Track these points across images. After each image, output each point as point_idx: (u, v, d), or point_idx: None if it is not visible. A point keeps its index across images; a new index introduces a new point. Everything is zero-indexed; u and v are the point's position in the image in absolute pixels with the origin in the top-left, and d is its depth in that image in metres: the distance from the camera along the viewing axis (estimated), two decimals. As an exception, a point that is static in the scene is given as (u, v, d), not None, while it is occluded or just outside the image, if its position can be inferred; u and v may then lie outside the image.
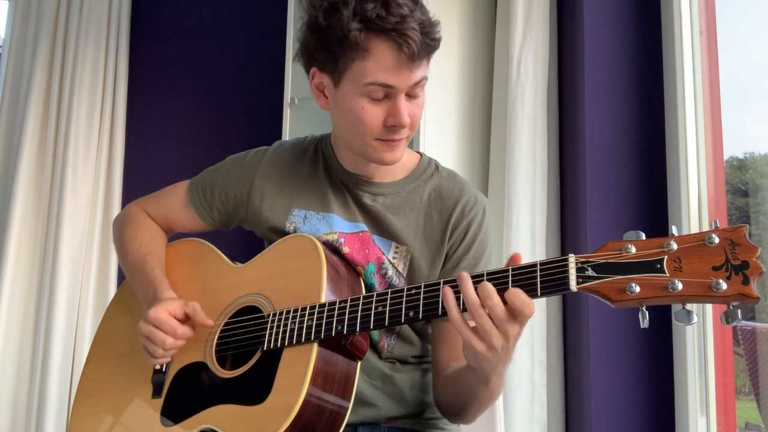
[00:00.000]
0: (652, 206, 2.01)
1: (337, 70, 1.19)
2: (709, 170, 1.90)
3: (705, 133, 1.92)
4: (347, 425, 1.14)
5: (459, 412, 1.25)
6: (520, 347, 2.10)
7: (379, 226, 1.31)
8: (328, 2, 1.16)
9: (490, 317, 0.97)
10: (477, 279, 1.01)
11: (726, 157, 1.96)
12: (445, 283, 1.05)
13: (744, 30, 2.03)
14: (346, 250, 1.28)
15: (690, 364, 1.85)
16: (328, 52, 1.18)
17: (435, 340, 1.31)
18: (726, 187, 1.93)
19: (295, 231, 1.32)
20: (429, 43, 1.16)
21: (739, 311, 0.86)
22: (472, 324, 1.01)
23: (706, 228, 1.83)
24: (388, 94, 1.17)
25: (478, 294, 0.98)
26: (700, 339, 1.83)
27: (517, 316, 0.97)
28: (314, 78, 1.26)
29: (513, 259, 1.03)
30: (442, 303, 1.04)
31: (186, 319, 1.25)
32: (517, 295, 0.96)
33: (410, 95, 1.20)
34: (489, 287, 0.97)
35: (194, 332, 1.24)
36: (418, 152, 1.42)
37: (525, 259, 2.13)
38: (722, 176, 1.92)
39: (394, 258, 1.29)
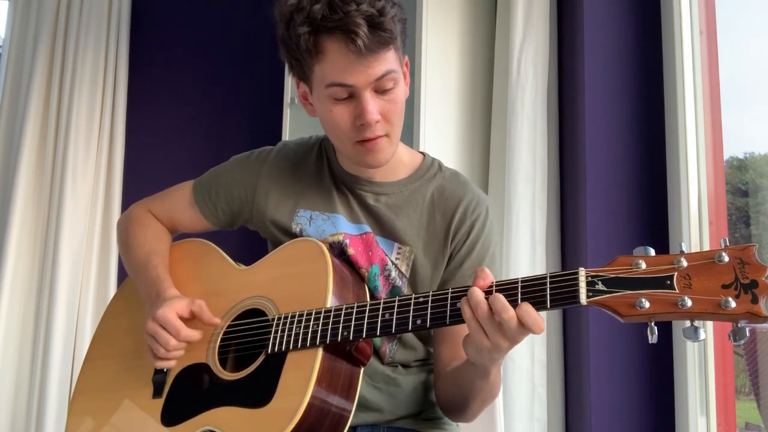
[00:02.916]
0: (652, 206, 2.01)
1: (307, 77, 1.21)
2: (709, 170, 1.91)
3: (705, 134, 1.92)
4: (348, 427, 1.14)
5: (461, 408, 1.25)
6: (520, 347, 2.10)
7: (382, 226, 1.31)
8: (288, 12, 1.16)
9: (502, 328, 0.98)
10: (486, 289, 1.01)
11: (726, 157, 1.96)
12: (453, 291, 1.05)
13: (744, 30, 2.03)
14: (351, 251, 1.29)
15: (690, 363, 1.85)
16: (296, 61, 1.20)
17: (437, 339, 1.31)
18: (726, 187, 1.93)
19: (300, 232, 1.32)
20: (381, 35, 1.13)
21: (746, 329, 0.87)
22: None
23: (706, 228, 1.86)
24: (352, 93, 1.17)
25: (489, 304, 0.98)
26: (700, 339, 1.83)
27: (527, 329, 0.98)
28: (299, 87, 1.28)
29: (480, 276, 1.03)
30: (450, 312, 1.04)
31: (192, 317, 1.24)
32: (528, 313, 0.96)
33: (379, 90, 1.18)
34: (503, 301, 0.97)
35: (199, 335, 1.23)
36: (421, 152, 1.41)
37: (525, 260, 2.16)
38: (722, 176, 1.93)
39: (397, 259, 1.30)
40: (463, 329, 1.04)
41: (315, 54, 1.15)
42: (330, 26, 1.12)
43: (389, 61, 1.17)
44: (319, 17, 1.12)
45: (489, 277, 1.03)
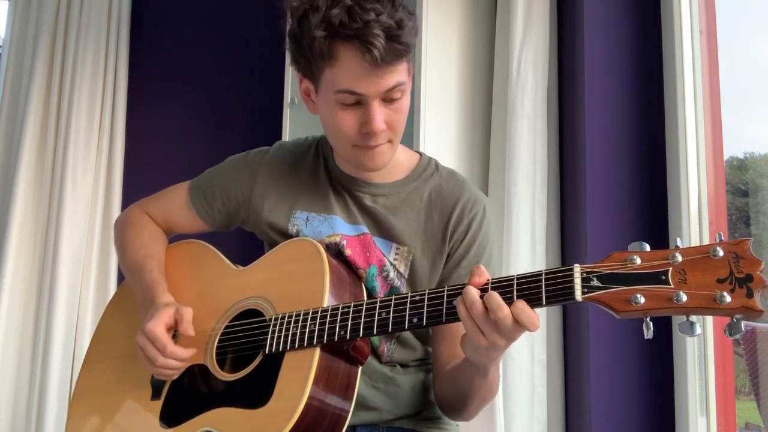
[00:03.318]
0: (652, 206, 2.01)
1: (314, 77, 1.20)
2: (709, 170, 1.91)
3: (705, 133, 1.92)
4: (347, 427, 1.14)
5: (461, 407, 1.25)
6: (521, 346, 2.10)
7: (379, 227, 1.31)
8: (302, 9, 1.15)
9: (497, 326, 0.98)
10: (482, 287, 1.01)
11: (726, 157, 1.96)
12: (449, 290, 1.05)
13: (744, 30, 2.03)
14: (348, 252, 1.29)
15: (690, 363, 1.85)
16: (304, 59, 1.19)
17: (435, 338, 1.31)
18: (726, 187, 1.93)
19: (297, 233, 1.32)
20: (397, 47, 1.13)
21: (742, 324, 0.87)
22: None
23: (706, 228, 1.85)
24: (360, 100, 1.17)
25: (484, 303, 0.98)
26: (700, 339, 1.83)
27: (522, 326, 0.98)
28: (302, 83, 1.27)
29: (476, 274, 1.03)
30: (446, 310, 1.04)
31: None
32: (523, 310, 0.97)
33: (387, 100, 1.18)
34: (498, 299, 0.97)
35: (187, 353, 1.22)
36: (418, 152, 1.41)
37: (525, 260, 2.16)
38: (722, 176, 1.93)
39: (395, 259, 1.29)
40: (461, 327, 1.03)
41: (328, 58, 1.14)
42: (348, 34, 1.11)
43: (401, 72, 1.17)
44: (336, 23, 1.11)
45: (485, 275, 1.03)
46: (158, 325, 1.20)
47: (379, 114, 1.17)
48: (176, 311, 1.24)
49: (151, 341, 1.20)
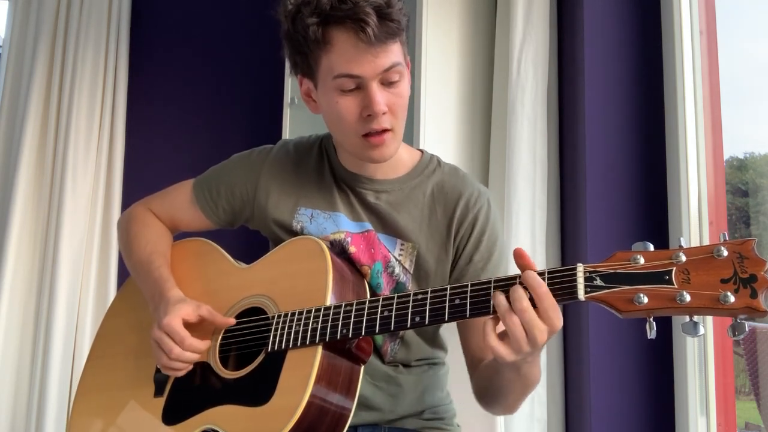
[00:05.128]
0: (652, 206, 2.01)
1: (312, 71, 1.22)
2: (709, 170, 1.91)
3: (705, 133, 1.92)
4: (348, 427, 1.14)
5: (497, 399, 1.22)
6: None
7: (383, 223, 1.32)
8: (294, 8, 1.18)
9: (521, 323, 0.97)
10: (485, 285, 1.02)
11: (726, 157, 1.96)
12: (452, 288, 1.05)
13: (744, 30, 2.03)
14: (352, 249, 1.29)
15: (690, 363, 1.85)
16: (301, 55, 1.21)
17: (463, 331, 1.29)
18: (726, 187, 1.93)
19: (302, 230, 1.32)
20: (389, 25, 1.14)
21: (746, 324, 0.86)
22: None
23: (706, 228, 1.85)
24: (359, 84, 1.17)
25: (508, 299, 0.98)
26: (700, 339, 1.84)
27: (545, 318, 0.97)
28: (302, 85, 1.28)
29: (517, 255, 1.02)
30: (448, 308, 1.04)
31: (201, 321, 1.24)
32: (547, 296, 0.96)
33: (385, 83, 1.18)
34: (520, 291, 0.97)
35: (204, 345, 1.22)
36: (420, 149, 1.42)
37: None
38: (722, 176, 1.93)
39: (400, 255, 1.30)
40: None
41: (323, 44, 1.16)
42: (339, 15, 1.13)
43: (396, 53, 1.18)
44: (327, 8, 1.13)
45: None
46: (175, 319, 1.20)
47: (379, 95, 1.17)
48: (198, 307, 1.24)
49: (170, 335, 1.20)
